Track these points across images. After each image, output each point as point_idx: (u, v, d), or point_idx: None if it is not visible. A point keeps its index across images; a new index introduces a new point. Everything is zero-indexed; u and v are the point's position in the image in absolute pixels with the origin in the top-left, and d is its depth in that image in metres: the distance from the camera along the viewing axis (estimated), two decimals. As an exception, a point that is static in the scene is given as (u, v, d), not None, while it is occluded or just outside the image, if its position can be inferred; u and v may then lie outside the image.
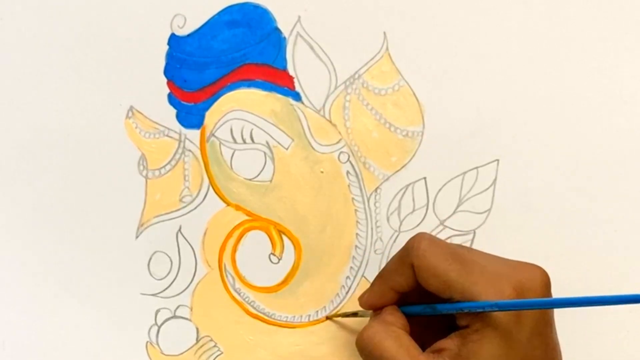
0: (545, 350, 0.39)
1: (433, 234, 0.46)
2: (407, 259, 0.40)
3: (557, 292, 0.40)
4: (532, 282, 0.39)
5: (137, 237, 0.47)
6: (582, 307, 0.35)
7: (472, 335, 0.38)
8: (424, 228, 0.46)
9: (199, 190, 0.47)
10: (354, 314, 0.45)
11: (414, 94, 0.46)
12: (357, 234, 0.46)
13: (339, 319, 0.46)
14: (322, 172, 0.47)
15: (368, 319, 0.44)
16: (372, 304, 0.43)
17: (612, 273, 0.46)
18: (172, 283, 0.47)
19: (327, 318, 0.46)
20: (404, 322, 0.41)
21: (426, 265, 0.39)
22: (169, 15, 0.47)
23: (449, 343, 0.39)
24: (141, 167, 0.47)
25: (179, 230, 0.47)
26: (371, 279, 0.46)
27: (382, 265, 0.46)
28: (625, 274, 0.46)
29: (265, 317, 0.47)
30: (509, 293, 0.38)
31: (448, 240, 0.46)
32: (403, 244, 0.46)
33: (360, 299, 0.44)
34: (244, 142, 0.47)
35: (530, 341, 0.38)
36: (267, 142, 0.47)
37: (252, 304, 0.47)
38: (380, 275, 0.43)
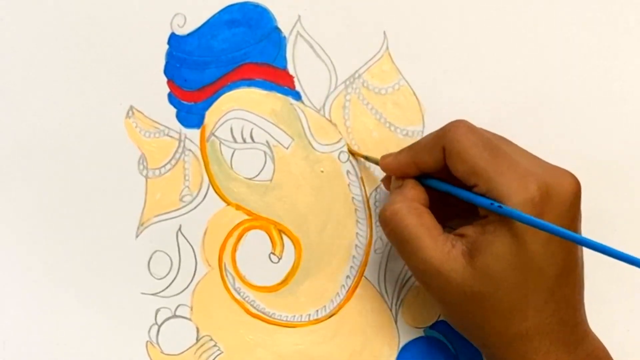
0: (562, 258, 0.38)
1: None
2: (440, 140, 0.40)
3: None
4: (560, 187, 0.38)
5: (137, 236, 0.47)
6: (601, 253, 0.35)
7: (488, 227, 0.38)
8: (424, 227, 0.46)
9: (199, 190, 0.47)
10: (375, 161, 0.45)
11: (414, 93, 0.46)
12: (357, 233, 0.46)
13: (359, 158, 0.46)
14: (322, 171, 0.47)
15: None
16: (393, 170, 0.43)
17: (612, 272, 0.46)
18: (172, 282, 0.47)
19: (350, 152, 0.46)
20: (425, 197, 0.41)
21: (457, 150, 0.39)
22: (169, 14, 0.47)
23: (469, 230, 0.39)
24: (141, 167, 0.47)
25: (179, 229, 0.47)
26: (371, 279, 0.46)
27: (382, 265, 0.46)
28: (625, 273, 0.46)
29: (266, 317, 0.47)
30: (532, 192, 0.37)
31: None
32: (403, 243, 0.46)
33: (383, 160, 0.43)
34: (244, 141, 0.47)
35: (546, 249, 0.37)
36: (267, 142, 0.47)
37: (252, 303, 0.47)
38: (411, 148, 0.42)
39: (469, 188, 0.39)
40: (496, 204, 0.37)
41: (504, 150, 0.39)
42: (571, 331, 0.39)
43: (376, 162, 0.44)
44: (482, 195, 0.38)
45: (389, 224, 0.40)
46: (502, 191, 0.37)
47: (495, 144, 0.39)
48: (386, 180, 0.45)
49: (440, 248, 0.39)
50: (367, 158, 0.46)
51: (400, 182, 0.42)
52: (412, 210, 0.40)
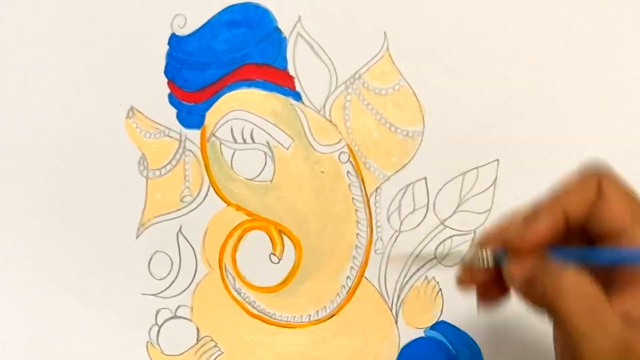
0: None
1: (433, 234, 0.46)
2: (593, 173, 0.33)
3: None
4: None
5: (137, 237, 0.47)
6: None
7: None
8: (424, 228, 0.46)
9: (200, 190, 0.47)
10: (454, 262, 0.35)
11: (414, 94, 0.46)
12: (357, 234, 0.46)
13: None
14: (322, 172, 0.47)
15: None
16: (537, 236, 0.33)
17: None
18: (172, 283, 0.47)
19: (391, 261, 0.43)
20: None
21: (617, 186, 0.33)
22: (170, 15, 0.47)
23: (625, 304, 0.32)
24: (142, 167, 0.47)
25: (180, 230, 0.47)
26: (371, 279, 0.46)
27: (382, 266, 0.46)
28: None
29: (266, 317, 0.47)
30: None
31: (447, 241, 0.46)
32: (403, 244, 0.46)
33: (521, 237, 0.33)
34: (245, 142, 0.47)
35: None
36: (268, 142, 0.47)
37: (252, 304, 0.47)
38: (553, 197, 0.34)
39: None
40: None
41: None
42: None
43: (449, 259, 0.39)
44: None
45: (574, 288, 0.31)
46: None
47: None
48: (467, 275, 0.35)
49: (627, 328, 0.31)
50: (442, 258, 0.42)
51: (537, 263, 0.33)
52: (585, 279, 0.32)
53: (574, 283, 0.31)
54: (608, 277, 0.33)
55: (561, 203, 0.33)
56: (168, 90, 0.47)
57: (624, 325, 0.31)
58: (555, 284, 0.31)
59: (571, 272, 0.31)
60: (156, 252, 0.47)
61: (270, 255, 0.47)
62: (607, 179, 0.33)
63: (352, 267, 0.46)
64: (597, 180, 0.33)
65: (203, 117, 0.47)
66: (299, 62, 0.47)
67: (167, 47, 0.47)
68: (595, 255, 0.33)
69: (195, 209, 0.47)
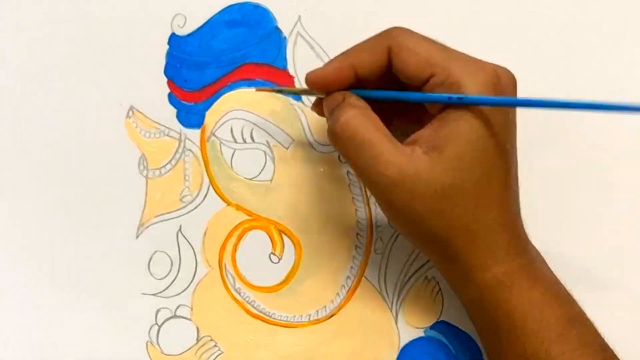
0: (513, 147, 0.39)
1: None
2: (383, 40, 0.39)
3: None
4: (506, 73, 0.38)
5: (137, 236, 0.47)
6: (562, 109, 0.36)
7: (448, 119, 0.37)
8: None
9: (199, 190, 0.47)
10: (291, 92, 0.43)
11: (414, 93, 0.46)
12: (357, 233, 0.46)
13: (270, 93, 0.45)
14: (322, 171, 0.47)
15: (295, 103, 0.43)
16: (324, 81, 0.40)
17: (614, 271, 0.46)
18: (172, 283, 0.47)
19: (258, 89, 0.45)
20: (369, 107, 0.39)
21: (407, 45, 0.38)
22: (169, 15, 0.47)
23: (423, 132, 0.38)
24: (141, 167, 0.47)
25: (180, 229, 0.47)
26: (371, 279, 0.46)
27: (383, 266, 0.46)
28: (626, 273, 0.46)
29: (266, 317, 0.47)
30: (490, 74, 0.37)
31: None
32: (403, 244, 0.46)
33: (311, 73, 0.40)
34: (244, 141, 0.47)
35: (505, 133, 0.38)
36: (268, 142, 0.47)
37: (252, 303, 0.47)
38: (345, 52, 0.40)
39: (417, 89, 0.38)
40: (455, 97, 0.36)
41: (450, 48, 0.39)
42: (521, 228, 0.40)
43: (298, 92, 0.43)
44: (434, 91, 0.38)
45: (343, 135, 0.38)
46: (462, 76, 0.37)
47: (439, 42, 0.39)
48: (317, 105, 0.43)
49: (401, 151, 0.37)
50: (281, 91, 0.45)
51: (339, 99, 0.40)
52: (366, 116, 0.38)
53: (344, 124, 0.38)
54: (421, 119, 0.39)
55: (348, 59, 0.39)
56: (168, 90, 0.47)
57: (397, 156, 0.37)
58: (331, 130, 0.39)
59: (344, 113, 0.38)
60: (156, 251, 0.47)
61: (270, 255, 0.47)
62: (397, 40, 0.38)
63: (352, 267, 0.46)
64: (386, 43, 0.38)
65: (203, 117, 0.47)
66: (299, 61, 0.47)
67: (167, 46, 0.47)
68: (388, 95, 0.39)
69: (195, 208, 0.47)
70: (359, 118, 0.38)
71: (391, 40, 0.38)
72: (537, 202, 0.45)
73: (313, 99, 0.46)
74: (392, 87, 0.40)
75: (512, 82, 0.39)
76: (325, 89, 0.40)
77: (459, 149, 0.37)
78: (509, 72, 0.39)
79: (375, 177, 0.38)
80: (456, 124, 0.37)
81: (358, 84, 0.40)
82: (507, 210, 0.39)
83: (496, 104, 0.37)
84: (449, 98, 0.37)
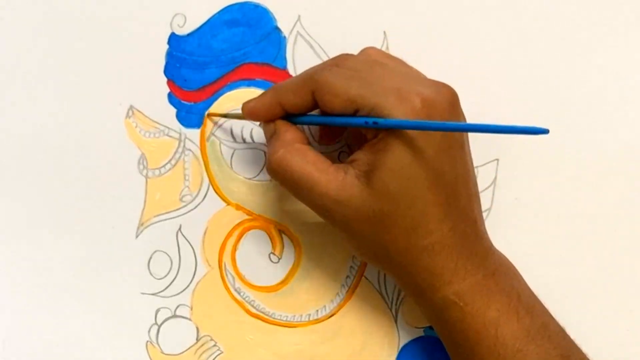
0: (455, 167, 0.39)
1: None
2: (307, 84, 0.40)
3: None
4: (439, 95, 0.38)
5: (137, 236, 0.47)
6: (482, 132, 0.37)
7: (378, 145, 0.38)
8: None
9: (199, 190, 0.47)
10: (236, 116, 0.45)
11: (414, 93, 0.46)
12: (357, 233, 0.46)
13: (217, 118, 0.46)
14: (322, 171, 0.46)
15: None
16: (256, 115, 0.42)
17: (613, 271, 0.46)
18: (172, 282, 0.47)
19: (208, 116, 0.46)
20: (302, 135, 0.41)
21: (328, 89, 0.39)
22: (169, 14, 0.47)
23: (360, 154, 0.39)
24: (141, 167, 0.47)
25: (179, 229, 0.47)
26: (371, 279, 0.46)
27: (382, 265, 0.46)
28: (625, 274, 0.46)
29: (266, 317, 0.47)
30: (414, 102, 0.37)
31: None
32: (403, 243, 0.46)
33: (246, 105, 0.42)
34: (244, 141, 0.47)
35: (438, 155, 0.38)
36: (267, 142, 0.47)
37: (252, 303, 0.47)
38: (275, 89, 0.42)
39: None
40: (371, 121, 0.37)
41: (378, 73, 0.39)
42: (474, 244, 0.40)
43: (239, 117, 0.44)
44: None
45: (277, 174, 0.41)
46: (384, 108, 0.37)
47: (368, 71, 0.39)
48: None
49: (333, 179, 0.39)
50: (226, 116, 0.46)
51: (272, 128, 0.42)
52: (294, 152, 0.40)
53: (275, 162, 0.40)
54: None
55: (277, 96, 0.41)
56: (168, 90, 0.47)
57: (327, 186, 0.39)
58: (268, 166, 0.41)
59: (273, 155, 0.40)
60: (156, 251, 0.47)
61: (270, 255, 0.47)
62: (319, 84, 0.39)
63: (351, 267, 0.47)
64: (310, 88, 0.40)
65: (202, 117, 0.47)
66: (299, 61, 0.47)
67: (166, 46, 0.47)
68: (316, 120, 0.42)
69: (194, 208, 0.47)
70: (288, 155, 0.40)
71: (314, 84, 0.39)
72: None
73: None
74: None
75: (448, 101, 0.38)
76: (259, 120, 0.43)
77: (384, 178, 0.38)
78: (446, 91, 0.39)
79: (313, 207, 0.40)
80: (381, 154, 0.38)
81: (290, 115, 0.42)
82: (452, 229, 0.39)
83: (412, 127, 0.37)
84: (365, 122, 0.37)
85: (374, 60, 0.41)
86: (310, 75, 0.40)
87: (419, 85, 0.38)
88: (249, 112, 0.42)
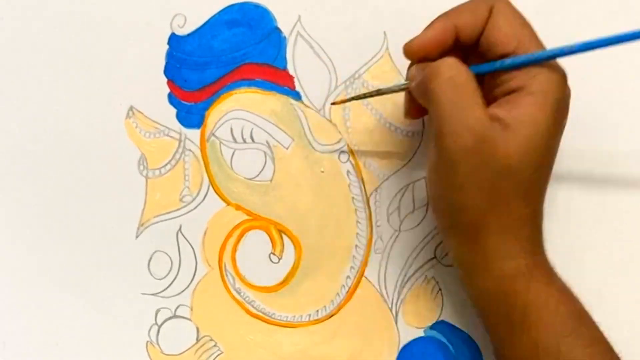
0: (557, 140, 0.39)
1: (433, 233, 0.46)
2: (486, 1, 0.39)
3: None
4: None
5: (137, 236, 0.47)
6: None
7: (519, 100, 0.37)
8: (424, 228, 0.46)
9: (199, 190, 0.47)
10: (377, 92, 0.42)
11: (414, 93, 0.46)
12: (357, 233, 0.46)
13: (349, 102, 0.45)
14: (322, 171, 0.47)
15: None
16: (426, 42, 0.39)
17: (614, 268, 0.46)
18: (172, 283, 0.47)
19: (333, 104, 0.46)
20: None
21: (505, 12, 0.38)
22: (169, 15, 0.47)
23: (498, 110, 0.38)
24: (141, 167, 0.47)
25: (179, 229, 0.47)
26: (371, 279, 0.46)
27: (383, 265, 0.46)
28: (626, 270, 0.46)
29: (266, 317, 0.47)
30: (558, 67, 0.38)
31: None
32: (403, 243, 0.46)
33: (412, 42, 0.40)
34: (244, 141, 0.47)
35: (560, 105, 0.38)
36: (267, 142, 0.47)
37: (252, 303, 0.47)
38: (445, 14, 0.40)
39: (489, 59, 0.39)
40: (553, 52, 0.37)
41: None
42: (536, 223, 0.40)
43: (377, 93, 0.42)
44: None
45: (444, 73, 0.38)
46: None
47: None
48: (410, 108, 0.43)
49: (489, 117, 0.37)
50: (364, 96, 0.44)
51: (438, 66, 0.39)
52: (469, 71, 0.38)
53: (448, 65, 0.38)
54: (498, 96, 0.39)
55: (451, 19, 0.39)
56: (168, 90, 0.47)
57: (486, 117, 0.37)
58: (433, 70, 0.38)
59: (447, 59, 0.38)
60: (156, 251, 0.47)
61: (270, 255, 0.47)
62: (498, 3, 0.38)
63: (352, 267, 0.46)
64: (489, 4, 0.38)
65: (203, 117, 0.47)
66: (299, 61, 0.47)
67: (167, 46, 0.47)
68: (487, 66, 0.39)
69: (195, 208, 0.47)
70: (464, 66, 0.38)
71: (493, 2, 0.39)
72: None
73: (314, 99, 0.46)
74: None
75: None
76: (426, 56, 0.40)
77: (529, 133, 0.37)
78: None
79: (458, 126, 0.37)
80: (524, 109, 0.37)
81: (453, 51, 0.39)
82: (539, 203, 0.39)
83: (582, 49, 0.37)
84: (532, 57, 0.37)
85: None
86: None
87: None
88: (414, 45, 0.40)
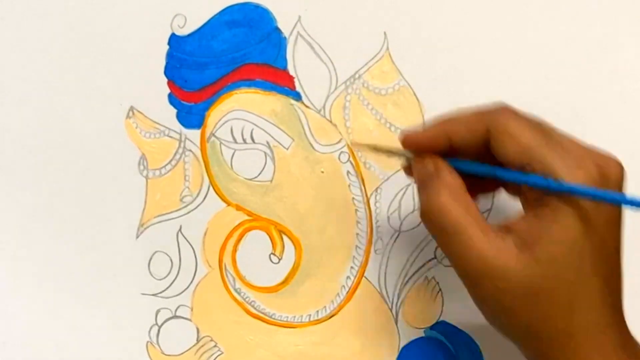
0: (618, 242, 0.36)
1: (433, 234, 0.46)
2: (483, 118, 0.37)
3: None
4: (613, 169, 0.35)
5: (137, 237, 0.47)
6: None
7: (544, 212, 0.35)
8: (424, 228, 0.46)
9: (200, 190, 0.47)
10: (387, 151, 0.41)
11: (414, 93, 0.46)
12: (357, 234, 0.46)
13: (365, 151, 0.44)
14: (322, 172, 0.47)
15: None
16: (418, 144, 0.38)
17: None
18: (172, 283, 0.47)
19: (353, 145, 0.45)
20: (464, 185, 0.37)
21: (508, 131, 0.35)
22: (169, 15, 0.47)
23: (519, 221, 0.36)
24: (141, 167, 0.47)
25: (180, 230, 0.47)
26: (371, 279, 0.46)
27: (383, 266, 0.46)
28: (626, 270, 0.46)
29: (266, 317, 0.47)
30: (591, 171, 0.34)
31: None
32: (403, 244, 0.46)
33: (405, 133, 0.39)
34: (245, 142, 0.47)
35: (607, 227, 0.35)
36: (268, 142, 0.47)
37: (252, 304, 0.47)
38: (443, 119, 0.38)
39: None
40: (554, 182, 0.34)
41: (555, 133, 0.36)
42: (624, 325, 0.36)
43: (390, 151, 0.41)
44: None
45: (434, 219, 0.36)
46: (558, 170, 0.34)
47: (546, 127, 0.36)
48: (407, 168, 0.41)
49: (492, 241, 0.35)
50: (376, 148, 0.43)
51: (431, 167, 0.38)
52: (460, 199, 0.36)
53: (441, 203, 0.36)
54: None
55: (446, 128, 0.38)
56: (168, 90, 0.47)
57: (490, 243, 0.35)
58: (426, 199, 0.37)
59: (441, 190, 0.36)
60: (156, 252, 0.47)
61: (270, 255, 0.47)
62: (498, 121, 0.36)
63: (352, 267, 0.46)
64: (485, 124, 0.36)
65: (203, 117, 0.47)
66: (299, 62, 0.47)
67: (167, 47, 0.47)
68: (483, 170, 0.37)
69: (195, 209, 0.47)
70: (455, 204, 0.36)
71: (492, 122, 0.36)
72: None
73: (314, 99, 0.46)
74: (486, 156, 0.37)
75: (619, 174, 0.35)
76: (419, 149, 0.39)
77: (551, 250, 0.34)
78: (616, 162, 0.36)
79: (463, 268, 0.36)
80: (550, 224, 0.34)
81: (451, 152, 0.38)
82: (608, 310, 0.35)
83: (598, 198, 0.34)
84: (548, 182, 0.34)
85: (542, 120, 0.37)
86: (491, 112, 0.37)
87: (591, 151, 0.36)
88: (408, 140, 0.39)
